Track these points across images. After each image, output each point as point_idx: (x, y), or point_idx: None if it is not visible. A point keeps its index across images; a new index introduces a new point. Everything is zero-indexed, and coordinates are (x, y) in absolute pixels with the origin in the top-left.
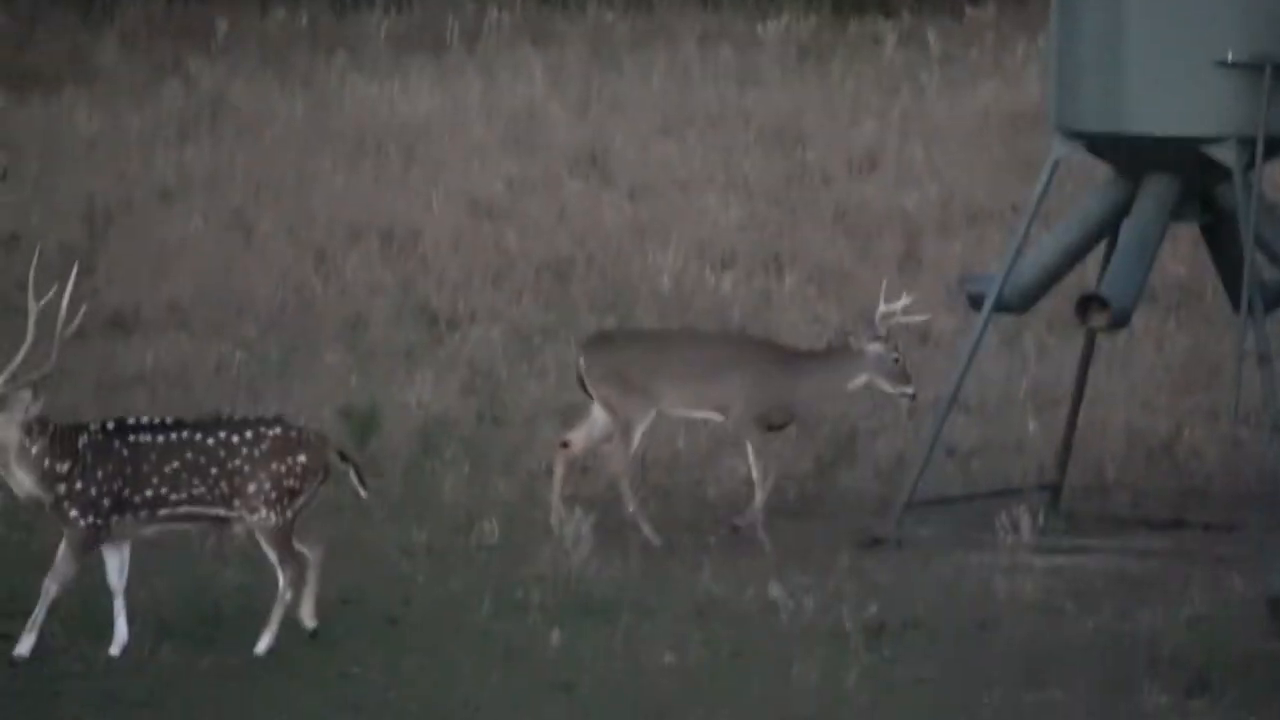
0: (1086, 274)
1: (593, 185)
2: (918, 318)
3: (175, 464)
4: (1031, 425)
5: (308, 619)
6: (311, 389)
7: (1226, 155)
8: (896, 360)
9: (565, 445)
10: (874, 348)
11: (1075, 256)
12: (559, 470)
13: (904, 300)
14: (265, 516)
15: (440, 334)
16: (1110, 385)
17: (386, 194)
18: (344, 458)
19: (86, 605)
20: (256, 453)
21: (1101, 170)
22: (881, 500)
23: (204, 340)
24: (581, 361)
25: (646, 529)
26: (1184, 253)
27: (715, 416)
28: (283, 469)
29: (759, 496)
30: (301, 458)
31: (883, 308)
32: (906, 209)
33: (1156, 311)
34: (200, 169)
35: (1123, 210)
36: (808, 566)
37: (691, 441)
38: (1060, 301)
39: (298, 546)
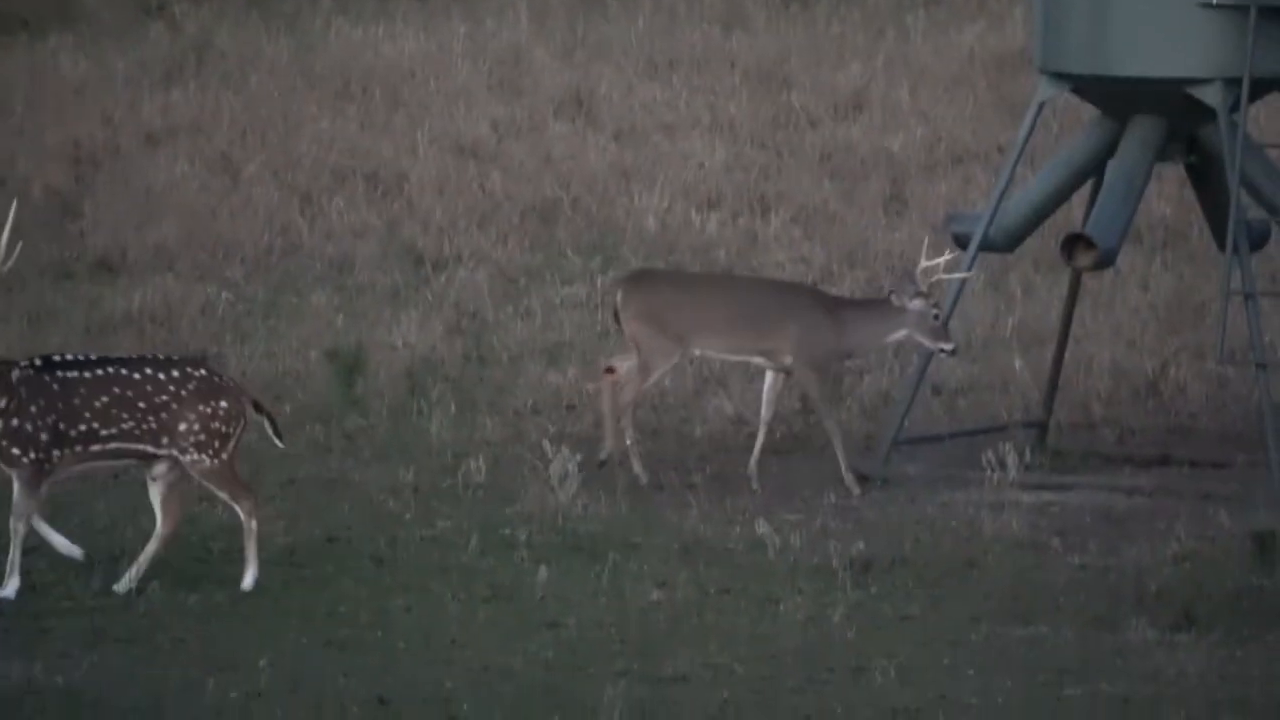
0: (1072, 214)
1: (578, 128)
2: (960, 275)
3: (105, 399)
4: (1018, 363)
5: (130, 580)
6: (298, 330)
7: (1212, 96)
8: (936, 316)
9: (610, 371)
10: (917, 304)
11: (1061, 197)
12: (605, 395)
13: (946, 256)
14: (199, 459)
15: (426, 275)
16: (1096, 324)
17: (372, 137)
18: (259, 408)
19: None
20: (183, 392)
21: (1087, 111)
22: (869, 438)
23: (191, 283)
24: (619, 297)
25: (636, 465)
26: (1169, 192)
27: (756, 361)
28: (208, 411)
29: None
30: (223, 402)
31: (924, 263)
32: (892, 150)
33: (1142, 251)
34: (186, 112)
35: (1108, 151)
36: (795, 504)
37: (678, 381)
38: (1046, 241)
39: (162, 512)
